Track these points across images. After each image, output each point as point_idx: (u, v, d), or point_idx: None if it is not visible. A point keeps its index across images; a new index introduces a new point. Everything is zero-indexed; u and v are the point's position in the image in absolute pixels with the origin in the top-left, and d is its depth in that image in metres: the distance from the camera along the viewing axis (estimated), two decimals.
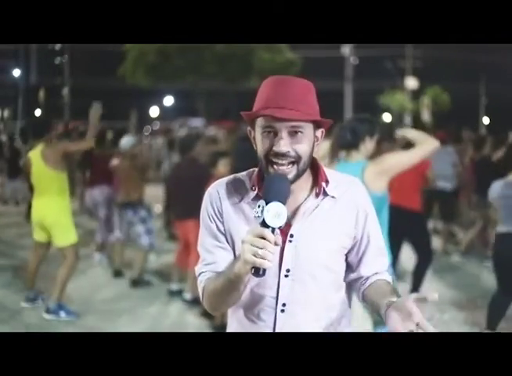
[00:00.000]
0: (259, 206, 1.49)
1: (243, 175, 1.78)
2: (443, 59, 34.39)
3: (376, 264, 1.78)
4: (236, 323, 1.79)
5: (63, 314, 5.17)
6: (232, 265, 1.59)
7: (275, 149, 1.59)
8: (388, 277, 1.79)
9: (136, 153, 6.62)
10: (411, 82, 32.38)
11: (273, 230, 1.48)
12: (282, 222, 1.49)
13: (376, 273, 1.78)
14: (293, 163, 1.61)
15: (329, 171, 1.76)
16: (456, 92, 31.52)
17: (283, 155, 1.59)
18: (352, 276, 1.80)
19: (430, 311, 5.55)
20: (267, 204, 1.49)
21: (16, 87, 33.48)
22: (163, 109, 37.86)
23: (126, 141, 6.66)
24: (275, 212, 1.48)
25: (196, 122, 29.29)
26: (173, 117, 33.66)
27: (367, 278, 1.78)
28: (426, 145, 3.56)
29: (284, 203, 1.51)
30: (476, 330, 4.76)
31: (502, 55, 31.62)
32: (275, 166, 1.60)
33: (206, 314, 5.04)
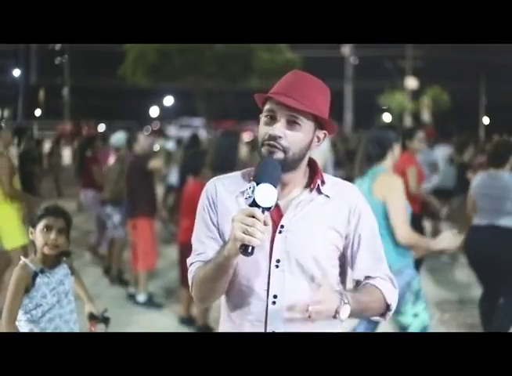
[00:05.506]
0: (250, 187, 1.55)
1: (243, 171, 1.84)
2: (443, 59, 34.40)
3: (368, 267, 1.78)
4: (226, 321, 1.81)
5: None
6: (221, 248, 1.65)
7: (269, 131, 1.68)
8: (383, 284, 1.77)
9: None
10: (411, 82, 32.39)
11: (263, 211, 1.53)
12: (272, 202, 1.54)
13: (368, 276, 1.78)
14: (281, 149, 1.68)
15: (327, 176, 1.81)
16: (456, 92, 31.54)
17: (274, 138, 1.67)
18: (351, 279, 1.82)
19: (430, 311, 5.51)
20: (258, 185, 1.55)
21: (16, 87, 33.48)
22: (163, 109, 37.88)
23: (117, 137, 6.41)
24: (266, 193, 1.54)
25: (196, 122, 29.20)
26: (173, 117, 33.66)
27: (361, 284, 1.79)
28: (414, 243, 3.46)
29: (275, 186, 1.57)
30: (476, 330, 4.76)
31: (502, 55, 31.63)
32: (266, 147, 1.68)
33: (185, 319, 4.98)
